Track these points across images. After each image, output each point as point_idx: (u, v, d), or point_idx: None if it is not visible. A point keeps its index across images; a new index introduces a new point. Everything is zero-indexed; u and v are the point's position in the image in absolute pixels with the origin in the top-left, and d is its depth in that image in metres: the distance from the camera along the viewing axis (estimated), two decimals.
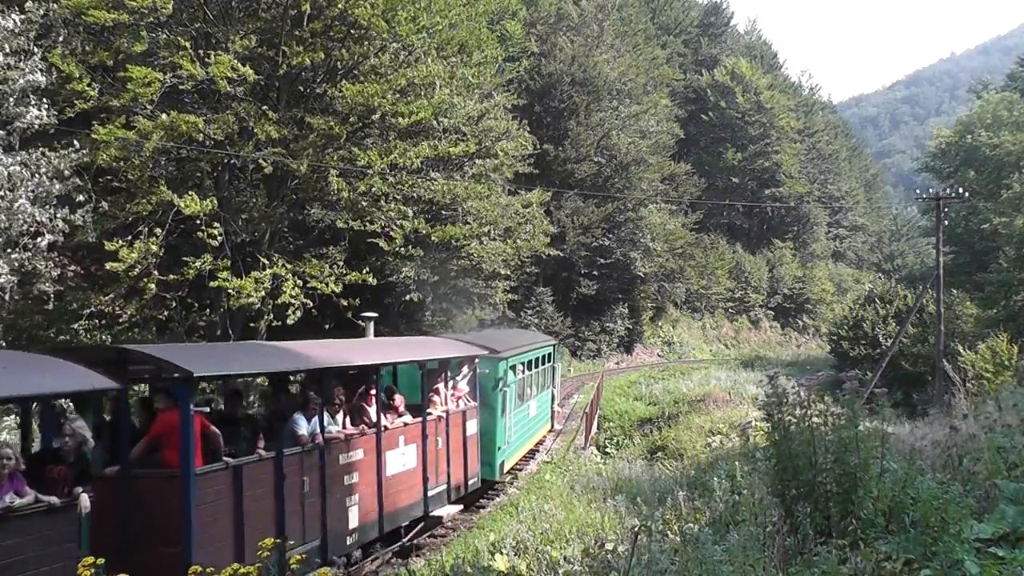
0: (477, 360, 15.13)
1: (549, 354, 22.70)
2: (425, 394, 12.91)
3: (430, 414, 12.89)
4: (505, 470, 16.87)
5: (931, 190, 33.60)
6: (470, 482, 14.63)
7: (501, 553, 10.39)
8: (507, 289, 30.62)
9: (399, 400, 12.42)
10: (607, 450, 25.88)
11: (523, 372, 18.45)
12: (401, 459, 11.74)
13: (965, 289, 42.63)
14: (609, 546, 7.65)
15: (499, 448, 15.97)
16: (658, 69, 60.44)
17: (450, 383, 14.08)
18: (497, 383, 15.76)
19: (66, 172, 15.17)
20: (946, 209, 31.47)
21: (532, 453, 21.02)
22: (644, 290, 50.79)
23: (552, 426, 24.18)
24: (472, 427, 14.70)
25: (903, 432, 11.25)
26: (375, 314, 17.01)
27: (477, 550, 11.05)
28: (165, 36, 18.99)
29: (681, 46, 75.13)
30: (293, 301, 19.58)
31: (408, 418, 12.17)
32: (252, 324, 20.61)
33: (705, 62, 76.49)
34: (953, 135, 52.25)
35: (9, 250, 14.14)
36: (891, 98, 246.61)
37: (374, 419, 11.17)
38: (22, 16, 14.56)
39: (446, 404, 13.81)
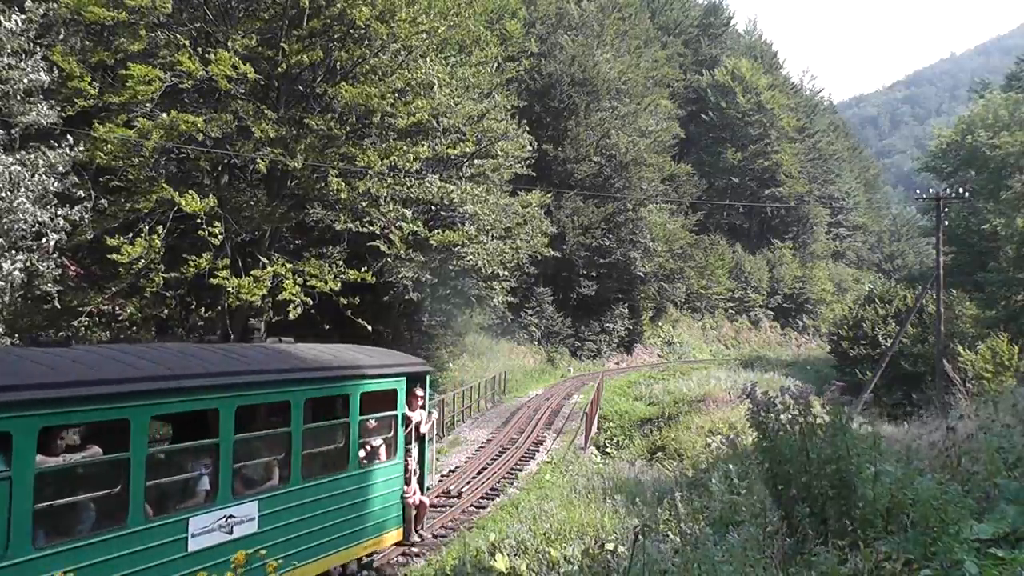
0: None
1: (390, 392, 10.97)
2: None
3: None
4: None
5: (931, 190, 33.58)
6: None
7: (501, 553, 10.40)
8: (507, 290, 30.58)
9: None
10: (607, 450, 25.89)
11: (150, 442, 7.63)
12: None
13: (965, 289, 42.66)
14: (609, 546, 7.64)
15: None
16: (658, 69, 60.48)
17: None
18: None
19: (61, 169, 15.13)
20: (946, 209, 31.46)
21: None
22: (644, 290, 50.82)
23: (406, 534, 11.40)
24: None
25: (900, 433, 11.27)
26: None
27: (477, 550, 11.05)
28: (165, 35, 18.97)
29: (681, 46, 75.23)
30: (293, 298, 19.57)
31: None
32: (252, 322, 20.61)
33: (705, 62, 76.59)
34: (953, 135, 52.28)
35: (14, 252, 14.13)
36: (891, 98, 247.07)
37: None
38: (23, 16, 14.56)
39: None
